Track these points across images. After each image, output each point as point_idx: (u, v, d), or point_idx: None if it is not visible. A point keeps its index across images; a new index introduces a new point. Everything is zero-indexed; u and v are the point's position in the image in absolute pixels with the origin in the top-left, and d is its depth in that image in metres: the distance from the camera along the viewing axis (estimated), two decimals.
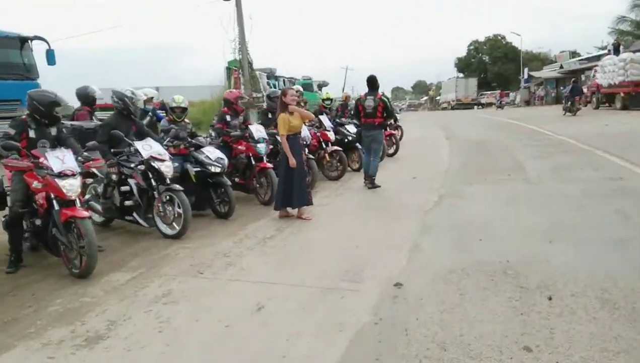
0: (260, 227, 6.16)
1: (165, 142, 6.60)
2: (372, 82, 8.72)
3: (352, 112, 12.99)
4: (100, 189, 6.16)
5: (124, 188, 5.92)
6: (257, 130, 7.55)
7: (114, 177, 5.91)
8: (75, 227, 4.46)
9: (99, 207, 6.17)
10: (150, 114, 7.51)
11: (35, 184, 4.61)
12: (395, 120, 16.24)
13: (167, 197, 5.72)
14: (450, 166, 10.39)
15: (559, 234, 5.08)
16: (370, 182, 8.40)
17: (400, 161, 11.92)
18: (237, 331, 3.37)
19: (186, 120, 7.14)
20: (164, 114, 7.88)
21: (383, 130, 8.90)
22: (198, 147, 6.71)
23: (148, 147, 5.80)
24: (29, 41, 12.13)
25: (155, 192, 5.74)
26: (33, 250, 5.22)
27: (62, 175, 4.51)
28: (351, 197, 7.93)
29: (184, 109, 7.03)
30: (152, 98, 7.68)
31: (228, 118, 7.79)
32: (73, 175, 4.58)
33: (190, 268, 4.67)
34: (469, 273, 4.17)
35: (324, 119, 9.88)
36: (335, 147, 9.52)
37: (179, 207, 5.65)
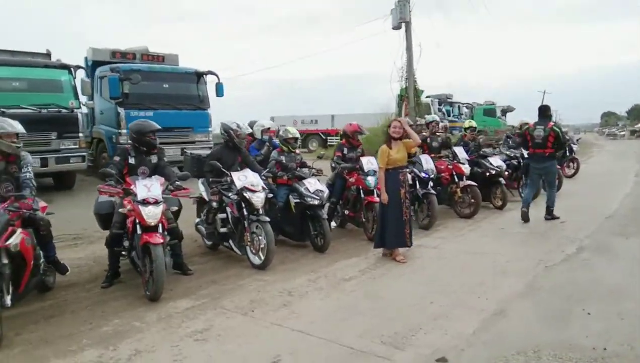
0: (348, 266, 5.82)
1: (264, 173, 6.77)
2: (543, 111, 8.27)
3: (511, 141, 11.80)
4: None
5: (221, 215, 6.15)
6: (368, 162, 7.24)
7: (214, 204, 6.20)
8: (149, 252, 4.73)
9: (204, 231, 6.52)
10: (267, 143, 7.74)
11: (126, 209, 5.04)
12: (571, 151, 14.34)
13: (256, 227, 5.78)
14: (616, 211, 8.65)
15: None
16: (549, 213, 8.09)
17: (560, 199, 10.27)
18: None
19: (297, 150, 7.19)
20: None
21: (555, 161, 8.24)
22: (301, 178, 6.69)
23: (243, 178, 5.94)
24: (204, 76, 13.66)
25: (245, 222, 5.84)
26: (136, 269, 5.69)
27: (145, 202, 4.84)
28: (471, 239, 7.06)
29: (296, 139, 7.10)
30: (268, 128, 7.90)
31: (345, 150, 7.64)
32: (156, 202, 4.88)
33: (248, 304, 4.58)
34: (540, 357, 3.29)
35: (459, 150, 9.08)
36: (469, 182, 8.65)
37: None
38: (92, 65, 13.40)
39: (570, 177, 14.07)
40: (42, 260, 4.72)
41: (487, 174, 9.42)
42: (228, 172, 6.02)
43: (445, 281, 5.12)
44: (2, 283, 3.90)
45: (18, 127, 4.72)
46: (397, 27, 20.13)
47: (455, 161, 8.90)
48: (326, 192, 6.61)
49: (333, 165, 7.85)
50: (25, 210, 4.38)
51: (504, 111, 36.45)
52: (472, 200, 8.63)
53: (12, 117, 9.75)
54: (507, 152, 10.88)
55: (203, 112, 13.39)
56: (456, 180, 8.73)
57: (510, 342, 3.58)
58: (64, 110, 10.70)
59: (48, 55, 12.34)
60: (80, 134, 11.02)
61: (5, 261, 4.01)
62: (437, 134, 9.48)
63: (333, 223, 8.15)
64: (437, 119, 9.66)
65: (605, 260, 5.64)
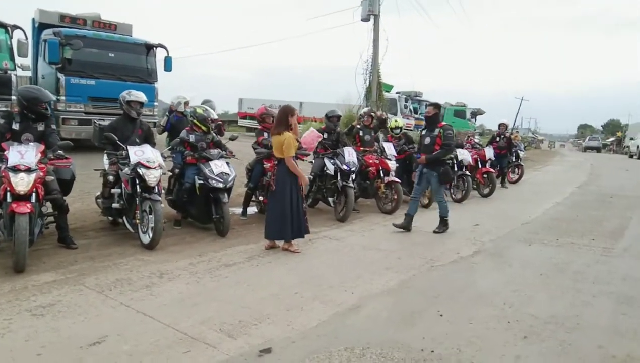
0: (239, 252, 5.74)
1: (185, 153, 6.63)
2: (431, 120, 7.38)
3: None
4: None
5: (115, 190, 5.98)
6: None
7: (110, 178, 6.02)
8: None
9: (101, 205, 6.35)
10: (190, 116, 7.57)
11: None
12: (517, 157, 14.50)
13: (148, 206, 5.63)
14: (536, 219, 8.74)
15: (539, 336, 3.77)
16: (440, 224, 7.28)
17: (488, 204, 10.44)
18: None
19: (212, 131, 7.04)
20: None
21: (435, 171, 7.15)
22: (209, 159, 6.54)
23: (140, 153, 5.77)
24: (154, 48, 13.34)
25: (137, 199, 5.69)
26: None
27: (15, 169, 4.65)
28: (377, 235, 7.03)
29: (214, 120, 6.94)
30: (188, 102, 7.74)
31: (265, 135, 7.53)
32: (28, 170, 4.69)
33: (110, 283, 4.46)
34: (365, 355, 3.26)
35: (387, 146, 9.07)
36: (393, 178, 8.63)
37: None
38: (39, 28, 12.96)
39: (514, 182, 14.26)
40: None
41: None
42: (124, 146, 5.85)
43: (324, 273, 5.07)
44: None
45: None
46: (365, 19, 20.01)
47: (382, 156, 8.88)
48: (232, 175, 6.47)
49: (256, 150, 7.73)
50: None
51: (474, 114, 36.74)
52: (395, 196, 8.63)
53: None
54: None
55: (149, 85, 13.06)
56: (382, 175, 8.71)
57: (344, 337, 3.54)
58: None
59: None
60: (13, 97, 10.64)
61: None
62: (371, 127, 9.46)
63: (254, 209, 8.11)
64: (366, 111, 9.64)
65: (492, 265, 5.67)
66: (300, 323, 3.77)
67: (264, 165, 7.31)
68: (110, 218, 6.43)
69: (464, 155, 10.74)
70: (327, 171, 8.11)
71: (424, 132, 7.44)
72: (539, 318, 4.00)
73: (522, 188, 13.36)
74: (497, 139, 13.15)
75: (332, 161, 8.12)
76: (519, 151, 14.67)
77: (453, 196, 10.46)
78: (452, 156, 9.56)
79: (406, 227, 7.20)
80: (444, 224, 7.27)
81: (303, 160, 8.15)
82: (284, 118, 5.81)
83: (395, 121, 10.29)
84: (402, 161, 9.60)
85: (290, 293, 4.42)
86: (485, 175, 11.38)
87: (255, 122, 8.00)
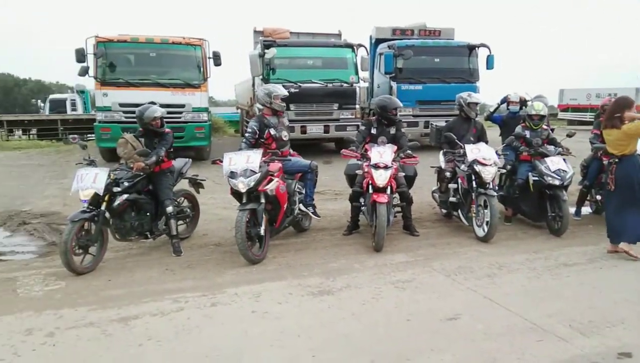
0: (577, 252, 5.47)
1: (520, 148, 6.69)
2: None
3: None
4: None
5: (452, 185, 6.46)
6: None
7: (447, 174, 6.56)
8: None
9: (437, 199, 6.97)
10: (516, 114, 7.50)
11: (362, 171, 5.90)
12: None
13: (483, 201, 5.94)
14: None
15: None
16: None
17: None
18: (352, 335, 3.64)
19: (544, 126, 6.84)
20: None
21: None
22: (545, 155, 6.41)
23: (476, 151, 6.10)
24: (476, 48, 13.64)
25: (473, 194, 6.05)
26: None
27: (376, 166, 5.60)
28: None
29: (542, 117, 6.76)
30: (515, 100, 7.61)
31: None
32: (385, 167, 5.58)
33: (454, 269, 4.91)
34: None
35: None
36: None
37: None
38: (375, 43, 14.86)
39: None
40: (297, 205, 5.97)
41: None
42: (461, 144, 6.29)
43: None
44: (260, 217, 5.16)
45: (284, 91, 5.90)
46: None
47: None
48: (570, 172, 6.19)
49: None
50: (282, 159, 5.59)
51: None
52: None
53: (306, 91, 11.97)
54: None
55: (471, 85, 13.42)
56: None
57: None
58: (345, 85, 12.36)
59: (339, 35, 14.31)
60: (357, 106, 12.56)
61: (263, 201, 5.24)
62: None
63: (588, 209, 7.56)
64: None
65: None
66: None
67: (603, 161, 6.72)
68: (444, 211, 7.01)
69: None
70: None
71: None
72: None
73: None
74: None
75: None
76: None
77: None
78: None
79: None
80: None
81: None
82: (616, 111, 5.25)
83: None
84: None
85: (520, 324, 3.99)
86: None
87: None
